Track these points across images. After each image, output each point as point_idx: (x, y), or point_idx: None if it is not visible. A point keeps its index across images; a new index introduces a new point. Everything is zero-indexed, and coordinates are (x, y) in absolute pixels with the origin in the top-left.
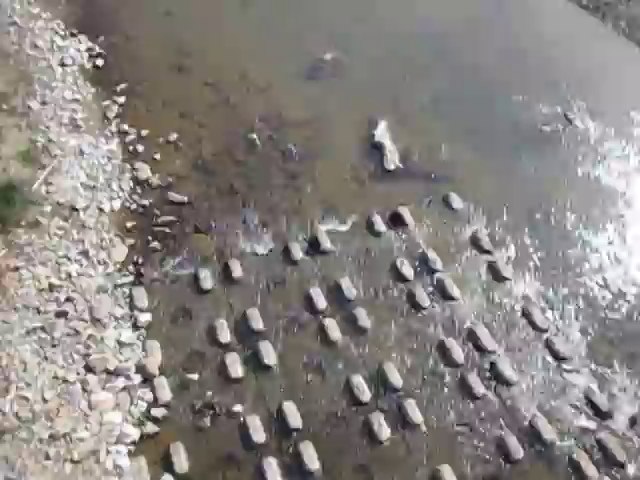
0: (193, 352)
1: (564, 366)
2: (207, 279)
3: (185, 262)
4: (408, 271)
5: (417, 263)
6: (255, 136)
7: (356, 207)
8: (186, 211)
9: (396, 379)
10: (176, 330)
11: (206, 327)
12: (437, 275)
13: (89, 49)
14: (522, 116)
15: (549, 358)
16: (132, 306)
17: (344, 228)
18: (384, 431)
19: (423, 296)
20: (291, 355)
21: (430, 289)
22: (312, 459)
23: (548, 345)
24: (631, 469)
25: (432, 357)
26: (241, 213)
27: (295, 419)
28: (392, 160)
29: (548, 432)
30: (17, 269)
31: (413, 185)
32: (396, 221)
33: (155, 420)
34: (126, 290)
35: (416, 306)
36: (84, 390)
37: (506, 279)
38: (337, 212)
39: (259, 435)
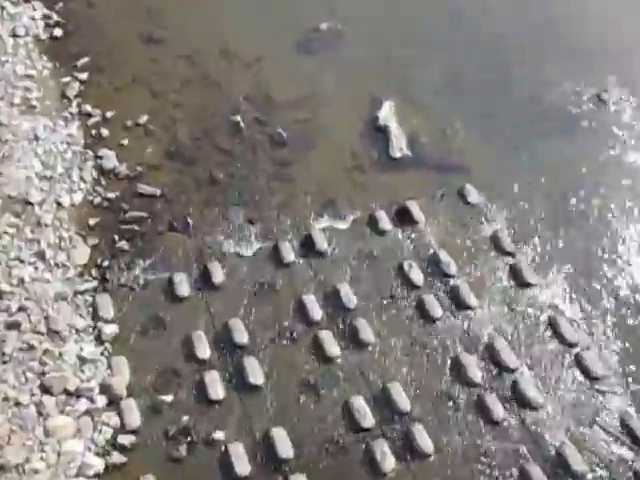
0: (166, 369)
1: (597, 386)
2: (183, 284)
3: (157, 265)
4: (417, 276)
5: (428, 266)
6: (239, 118)
7: (357, 201)
8: (159, 206)
9: (403, 401)
10: (147, 344)
11: (182, 340)
12: (451, 280)
13: (45, 17)
14: (549, 96)
15: (579, 377)
16: (95, 316)
17: (343, 226)
18: (389, 461)
19: (434, 305)
20: (281, 373)
21: (443, 297)
22: None
23: (578, 362)
24: None
25: (445, 376)
26: (223, 208)
27: (285, 447)
28: (398, 146)
29: (578, 462)
30: None
31: (423, 175)
32: (403, 217)
33: (122, 449)
34: (89, 298)
35: (426, 316)
36: (39, 414)
37: (531, 285)
38: (335, 207)
39: (243, 466)
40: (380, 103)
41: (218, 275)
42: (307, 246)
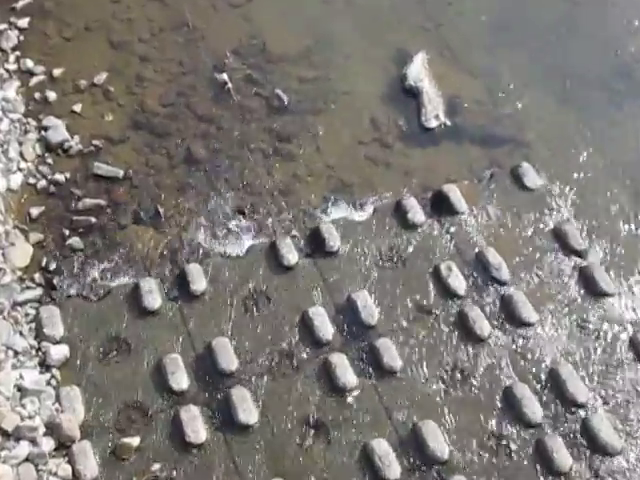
0: (132, 404)
1: None
2: (153, 294)
3: (120, 268)
4: (458, 282)
5: (472, 270)
6: (226, 77)
7: (379, 185)
8: (121, 191)
9: (439, 447)
10: (107, 371)
11: (152, 366)
12: (502, 288)
13: None
14: (626, 49)
15: None
16: (40, 335)
17: (361, 217)
18: None
19: (481, 320)
20: (280, 409)
21: (491, 310)
22: None
23: None
24: None
25: (495, 412)
26: (205, 194)
27: None
28: (433, 113)
29: None
30: None
31: (466, 151)
32: (440, 206)
33: None
34: (31, 310)
35: (470, 335)
36: None
37: (606, 295)
38: (350, 193)
39: None
40: (410, 57)
41: (199, 281)
42: (314, 244)
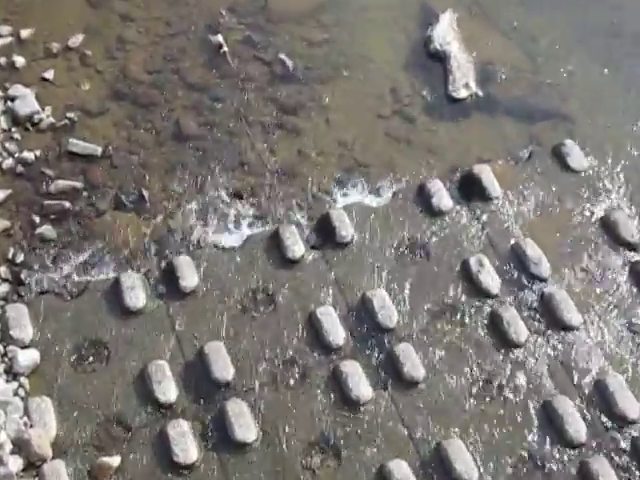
0: (112, 418)
1: None
2: (136, 291)
3: (98, 261)
4: (491, 279)
5: (507, 264)
6: (221, 39)
7: (400, 165)
8: (100, 171)
9: (468, 470)
10: (83, 380)
11: (134, 375)
12: (542, 286)
13: None
14: None
15: None
16: (5, 337)
17: (378, 202)
18: None
19: (516, 323)
20: (282, 425)
21: (529, 311)
22: None
23: None
24: None
25: (532, 430)
26: (196, 175)
27: None
28: (463, 82)
29: None
30: None
31: (500, 126)
32: (470, 190)
33: None
34: None
35: (505, 340)
36: None
37: None
38: (366, 174)
39: None
40: (436, 17)
41: (189, 277)
42: (323, 233)
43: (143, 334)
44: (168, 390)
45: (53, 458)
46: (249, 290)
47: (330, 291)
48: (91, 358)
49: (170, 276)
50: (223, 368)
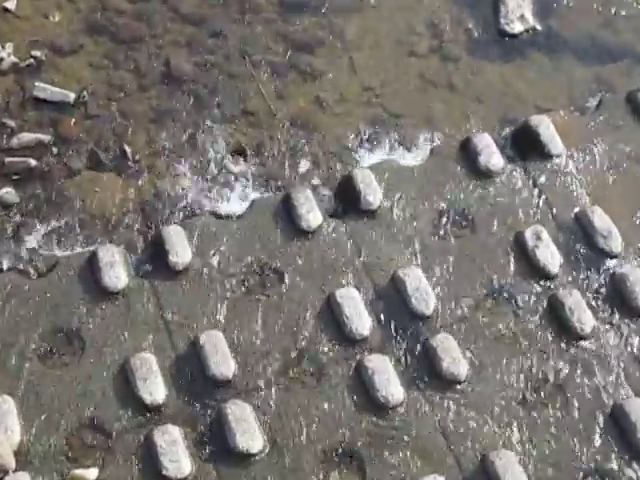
0: (87, 422)
1: None
2: (117, 268)
3: (70, 231)
4: (550, 255)
5: (570, 238)
6: None
7: (439, 116)
8: (72, 122)
9: None
10: (52, 376)
11: (115, 371)
12: (612, 264)
13: None
14: None
15: None
16: None
17: (412, 161)
18: None
19: (581, 309)
20: (294, 432)
21: (596, 295)
22: None
23: None
24: None
25: (597, 440)
26: (189, 126)
27: None
28: (517, 13)
29: None
30: None
31: (563, 68)
32: (526, 147)
33: None
34: None
35: (566, 330)
36: None
37: None
38: (397, 126)
39: None
40: None
41: (181, 251)
42: (345, 199)
43: (124, 321)
44: (155, 389)
45: (16, 470)
46: (254, 268)
47: (353, 270)
48: (62, 350)
49: (158, 250)
50: (222, 363)
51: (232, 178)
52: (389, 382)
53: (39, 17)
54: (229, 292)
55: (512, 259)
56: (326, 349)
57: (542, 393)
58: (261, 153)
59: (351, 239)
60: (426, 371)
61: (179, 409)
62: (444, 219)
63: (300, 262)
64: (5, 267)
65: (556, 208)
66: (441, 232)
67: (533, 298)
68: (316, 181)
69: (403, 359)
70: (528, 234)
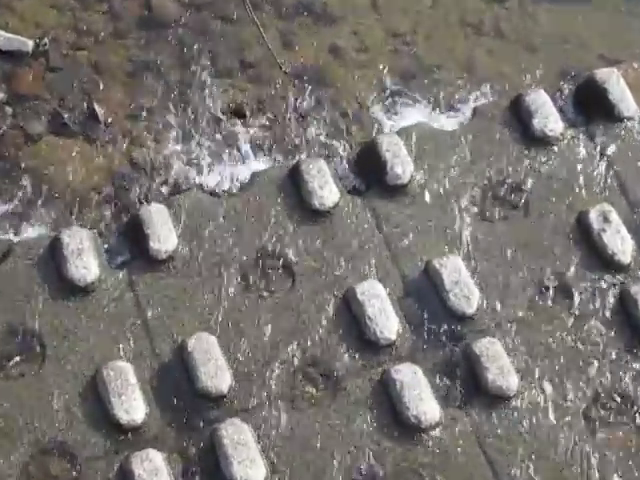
0: (50, 446)
1: None
2: (85, 256)
3: (27, 210)
4: (620, 242)
5: None
6: None
7: (483, 68)
8: (31, 77)
9: None
10: (6, 389)
11: (83, 383)
12: None
13: None
14: None
15: None
16: None
17: (451, 124)
18: None
19: None
20: (304, 460)
21: None
22: None
23: None
24: None
25: None
26: (175, 81)
27: None
28: None
29: None
30: None
31: (636, 10)
32: (592, 106)
33: None
34: None
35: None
36: None
37: None
38: (432, 81)
39: None
40: None
41: (164, 236)
42: (368, 171)
43: (95, 322)
44: (133, 406)
45: None
46: (255, 256)
47: (377, 258)
48: (18, 358)
49: (136, 235)
50: (215, 374)
51: (228, 145)
52: (421, 398)
53: None
54: (224, 287)
55: (573, 246)
56: (343, 357)
57: (610, 410)
58: (264, 115)
59: (375, 221)
60: (467, 384)
61: (162, 431)
62: (489, 197)
63: (312, 250)
64: None
65: (628, 183)
66: (486, 213)
67: (598, 294)
68: (331, 149)
69: (438, 369)
70: (593, 215)
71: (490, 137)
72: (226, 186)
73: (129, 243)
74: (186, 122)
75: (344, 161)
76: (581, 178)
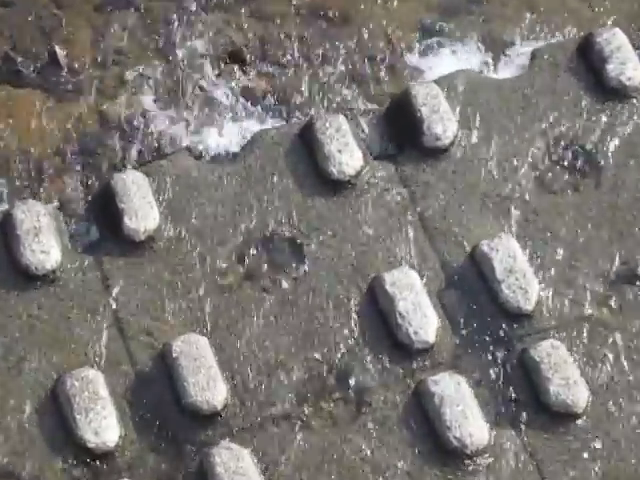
0: (2, 474)
1: None
2: (44, 237)
3: None
4: None
5: None
6: None
7: (542, 1)
8: None
9: None
10: None
11: (41, 395)
12: None
13: None
14: None
15: None
16: None
17: (503, 72)
18: None
19: None
20: None
21: None
22: None
23: None
24: None
25: None
26: (154, 16)
27: None
28: None
29: None
30: None
31: None
32: None
33: None
34: None
35: None
36: None
37: None
38: (479, 16)
39: None
40: None
41: (142, 211)
42: (399, 130)
43: (56, 319)
44: (103, 426)
45: None
46: (257, 238)
47: (411, 240)
48: None
49: (107, 210)
50: (207, 385)
51: (223, 98)
52: (466, 417)
53: None
54: (218, 277)
55: None
56: (368, 365)
57: None
58: (267, 58)
59: (408, 193)
60: (524, 398)
61: (140, 457)
62: (552, 163)
63: (328, 230)
64: None
65: None
66: (548, 183)
67: None
68: (354, 103)
69: (487, 380)
70: None
71: (552, 87)
72: (221, 150)
73: (99, 221)
74: (170, 68)
75: (370, 118)
76: None
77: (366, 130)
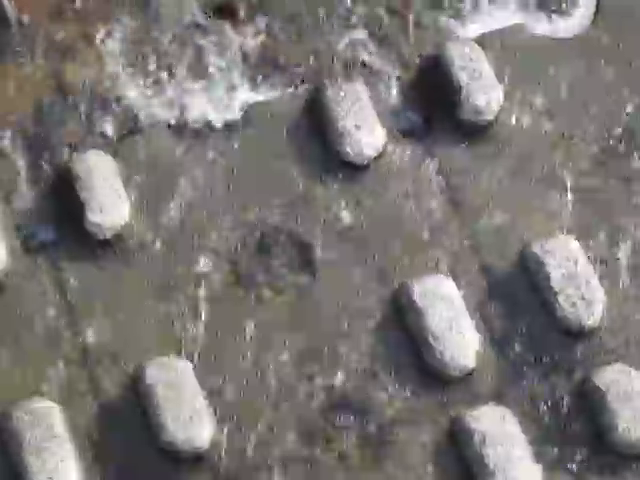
0: None
1: None
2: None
3: None
4: None
5: None
6: None
7: None
8: None
9: None
10: None
11: None
12: None
13: None
14: None
15: None
16: None
17: (563, 29)
18: None
19: None
20: None
21: None
22: None
23: None
24: None
25: None
26: None
27: None
28: None
29: None
30: None
31: None
32: None
33: None
34: None
35: None
36: None
37: None
38: None
39: None
40: None
41: (109, 203)
42: (430, 101)
43: (1, 337)
44: (60, 470)
45: None
46: (253, 234)
47: (445, 239)
48: None
49: (65, 201)
50: (190, 420)
51: (211, 60)
52: (512, 459)
53: None
54: (205, 283)
55: None
56: (391, 394)
57: None
58: (266, 12)
59: (442, 179)
60: (585, 436)
61: None
62: (622, 145)
63: (342, 224)
64: None
65: None
66: (616, 170)
67: None
68: (374, 68)
69: (540, 414)
70: None
71: (625, 49)
72: (207, 125)
73: (55, 214)
74: (145, 23)
75: (394, 86)
76: None
77: (390, 101)
